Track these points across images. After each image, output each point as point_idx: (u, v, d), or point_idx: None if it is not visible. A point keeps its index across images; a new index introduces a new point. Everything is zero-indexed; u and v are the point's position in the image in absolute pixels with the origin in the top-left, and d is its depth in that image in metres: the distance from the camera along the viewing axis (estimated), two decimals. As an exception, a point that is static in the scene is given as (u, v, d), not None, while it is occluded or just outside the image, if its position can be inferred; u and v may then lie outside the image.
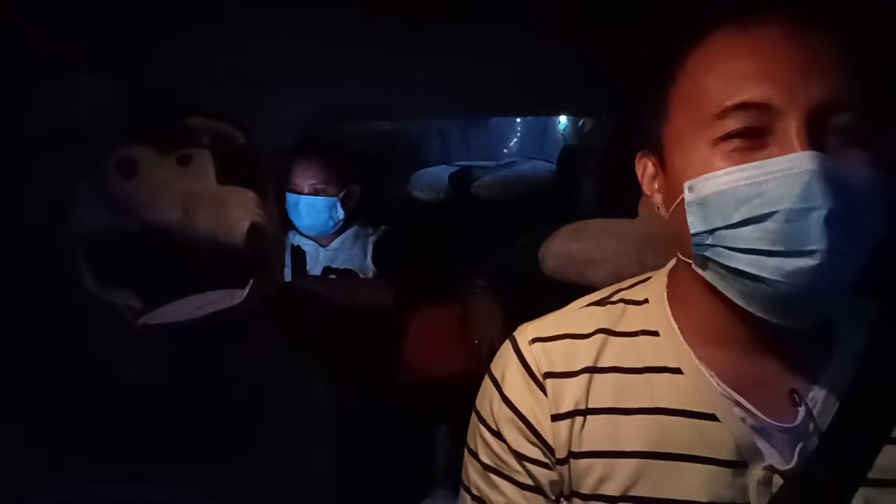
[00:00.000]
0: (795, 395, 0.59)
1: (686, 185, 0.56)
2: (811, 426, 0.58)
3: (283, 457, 0.73)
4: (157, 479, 0.69)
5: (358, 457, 0.78)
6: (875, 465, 0.57)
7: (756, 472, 0.57)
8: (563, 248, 1.13)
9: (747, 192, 0.52)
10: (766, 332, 0.58)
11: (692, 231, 0.57)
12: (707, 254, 0.57)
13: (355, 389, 0.81)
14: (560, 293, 0.76)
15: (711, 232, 0.55)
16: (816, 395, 0.59)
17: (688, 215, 0.57)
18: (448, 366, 1.53)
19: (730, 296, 0.57)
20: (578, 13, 1.04)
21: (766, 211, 0.51)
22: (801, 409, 0.58)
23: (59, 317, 0.77)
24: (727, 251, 0.55)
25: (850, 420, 0.58)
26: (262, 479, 0.72)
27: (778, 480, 0.57)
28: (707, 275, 0.59)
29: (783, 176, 0.51)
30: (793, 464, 0.57)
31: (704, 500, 0.57)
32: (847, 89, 0.52)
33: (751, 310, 0.56)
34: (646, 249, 1.01)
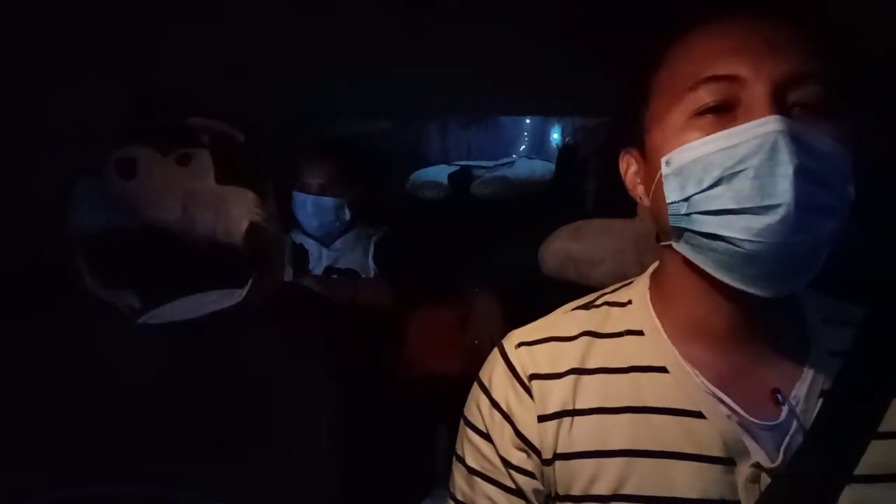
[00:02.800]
0: (778, 395, 0.60)
1: (663, 160, 0.59)
2: (794, 424, 0.59)
3: (283, 457, 0.73)
4: (157, 479, 0.69)
5: (358, 457, 0.78)
6: (862, 461, 0.57)
7: (744, 470, 0.58)
8: (562, 248, 1.13)
9: (719, 157, 0.55)
10: (745, 319, 0.60)
11: (668, 200, 0.59)
12: (682, 224, 0.59)
13: (355, 389, 0.81)
14: (560, 293, 0.76)
15: (687, 200, 0.58)
16: (798, 393, 0.60)
17: (665, 187, 0.59)
18: (448, 366, 1.53)
19: (706, 268, 0.59)
20: (578, 13, 1.04)
21: (736, 170, 0.54)
22: (784, 408, 0.59)
23: (58, 316, 0.77)
24: (700, 216, 0.57)
25: (834, 418, 0.59)
26: (262, 478, 0.72)
27: (766, 478, 0.58)
28: (684, 249, 0.60)
29: (753, 138, 0.54)
30: (778, 462, 0.57)
31: (694, 497, 0.58)
32: (811, 65, 0.56)
33: (727, 280, 0.57)
34: (645, 248, 1.01)
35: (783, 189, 0.52)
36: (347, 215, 1.80)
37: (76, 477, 0.68)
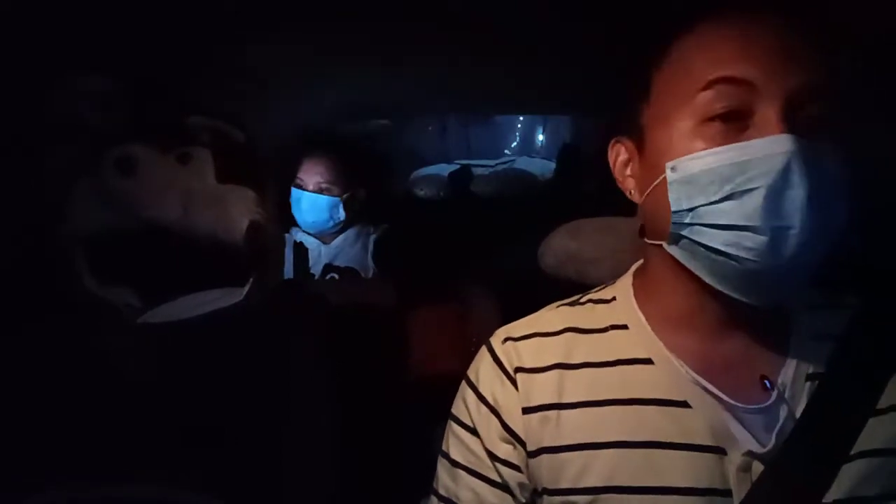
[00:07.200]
0: (766, 381, 0.60)
1: (668, 165, 0.58)
2: (784, 408, 0.59)
3: (283, 456, 0.73)
4: (157, 479, 0.69)
5: (358, 456, 0.78)
6: (858, 440, 0.58)
7: (735, 459, 0.58)
8: (562, 247, 1.12)
9: (731, 171, 0.55)
10: (731, 313, 0.61)
11: (674, 209, 0.58)
12: (683, 232, 0.59)
13: (355, 389, 0.81)
14: (559, 291, 0.76)
15: (692, 210, 0.57)
16: (784, 378, 0.61)
17: (670, 194, 0.58)
18: (447, 365, 1.53)
19: (699, 274, 0.59)
20: (578, 13, 1.04)
21: (747, 187, 0.54)
22: (773, 393, 0.60)
23: (58, 316, 0.77)
24: (704, 228, 0.57)
25: (827, 400, 0.60)
26: (261, 478, 0.72)
27: (758, 467, 0.58)
28: (678, 253, 0.61)
29: (765, 156, 0.53)
30: (770, 445, 0.58)
31: (685, 486, 0.58)
32: (822, 80, 0.55)
33: (720, 288, 0.58)
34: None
35: (793, 211, 0.53)
36: (342, 214, 1.80)
37: (76, 477, 0.68)
